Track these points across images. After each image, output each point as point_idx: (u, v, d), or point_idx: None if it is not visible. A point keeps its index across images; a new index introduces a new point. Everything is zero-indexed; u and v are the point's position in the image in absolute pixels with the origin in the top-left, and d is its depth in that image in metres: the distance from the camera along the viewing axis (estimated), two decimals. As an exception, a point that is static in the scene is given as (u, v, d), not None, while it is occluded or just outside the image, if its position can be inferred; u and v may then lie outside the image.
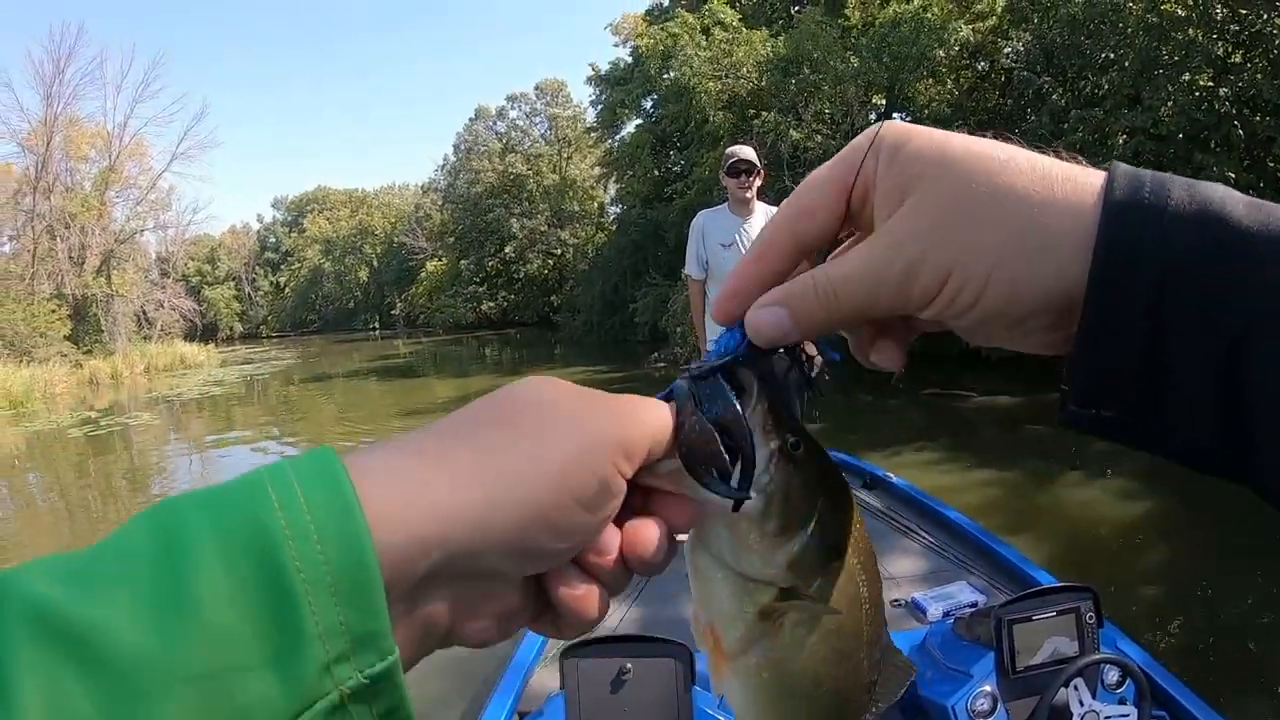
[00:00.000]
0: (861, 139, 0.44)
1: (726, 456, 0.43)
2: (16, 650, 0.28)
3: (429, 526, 0.36)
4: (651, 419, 0.43)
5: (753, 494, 0.44)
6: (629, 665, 2.13)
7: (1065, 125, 13.50)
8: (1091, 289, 0.38)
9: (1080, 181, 0.40)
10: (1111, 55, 13.68)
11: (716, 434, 0.43)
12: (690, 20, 21.40)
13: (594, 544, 0.42)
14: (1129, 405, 0.40)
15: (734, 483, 0.43)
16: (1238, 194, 0.38)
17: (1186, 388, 0.38)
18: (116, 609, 0.29)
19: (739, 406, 0.44)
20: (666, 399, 0.44)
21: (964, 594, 3.56)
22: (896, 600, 3.72)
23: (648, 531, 0.43)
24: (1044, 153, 0.42)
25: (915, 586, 3.83)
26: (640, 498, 0.44)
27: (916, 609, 3.57)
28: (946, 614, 3.36)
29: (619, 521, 0.43)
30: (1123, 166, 0.40)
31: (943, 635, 2.85)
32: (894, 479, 5.45)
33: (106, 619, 0.29)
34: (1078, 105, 13.71)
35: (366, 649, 0.33)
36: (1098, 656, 2.30)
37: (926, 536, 4.43)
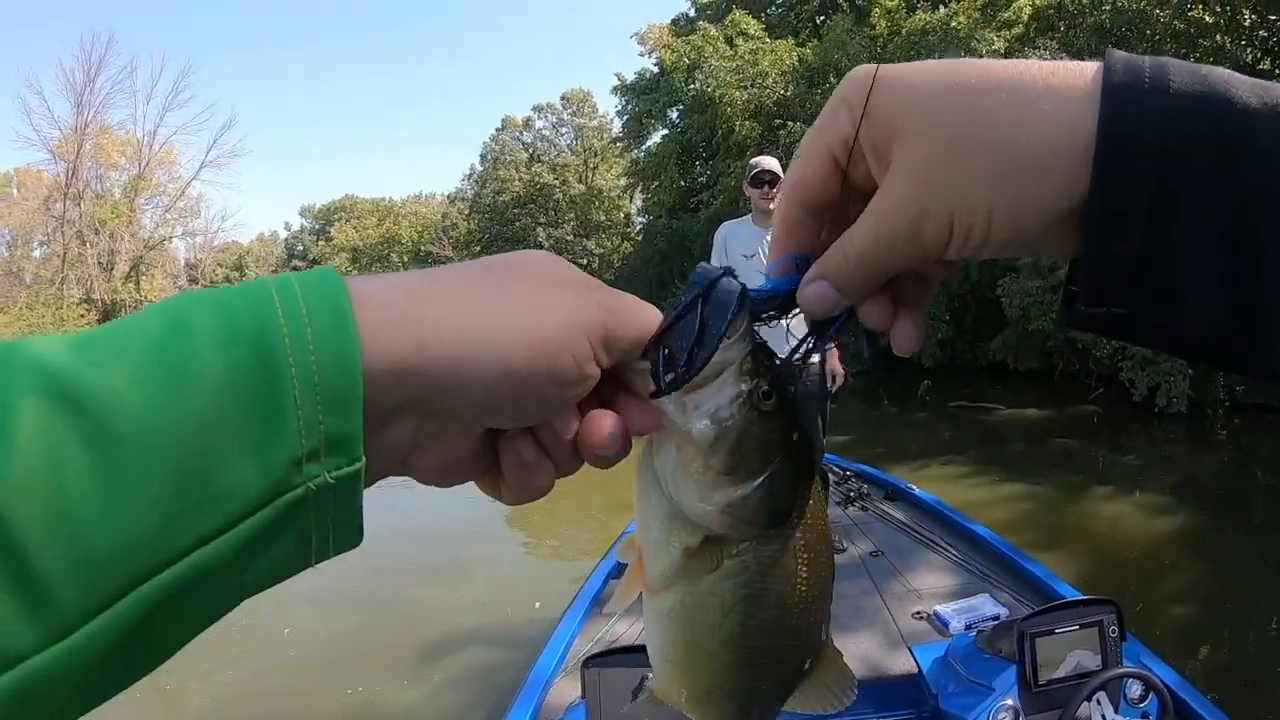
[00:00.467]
0: (834, 98, 0.45)
1: (684, 360, 0.43)
2: (19, 402, 0.30)
3: (410, 357, 0.37)
4: (639, 319, 0.44)
5: (707, 421, 0.44)
6: (649, 674, 2.12)
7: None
8: (1095, 182, 0.38)
9: (1071, 82, 0.39)
10: (1140, 63, 13.55)
11: (696, 335, 0.43)
12: (713, 32, 21.40)
13: (554, 419, 0.43)
14: (1138, 298, 0.40)
15: (668, 378, 0.43)
16: (1242, 76, 0.38)
17: (1195, 272, 0.38)
18: (116, 376, 0.31)
19: (727, 332, 0.43)
20: (694, 285, 0.45)
21: (987, 607, 3.56)
22: (919, 612, 3.75)
23: (605, 421, 0.44)
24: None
25: (938, 599, 3.82)
26: (610, 391, 0.45)
27: (939, 621, 3.57)
28: (969, 627, 3.37)
29: (584, 407, 0.44)
30: (1119, 54, 0.39)
31: (965, 648, 2.84)
32: (916, 491, 5.42)
33: (106, 383, 0.31)
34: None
35: (337, 451, 0.35)
36: (1121, 670, 2.28)
37: (949, 549, 4.43)
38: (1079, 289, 0.41)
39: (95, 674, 0.32)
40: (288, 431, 0.34)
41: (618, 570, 4.51)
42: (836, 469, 6.05)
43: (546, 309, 0.41)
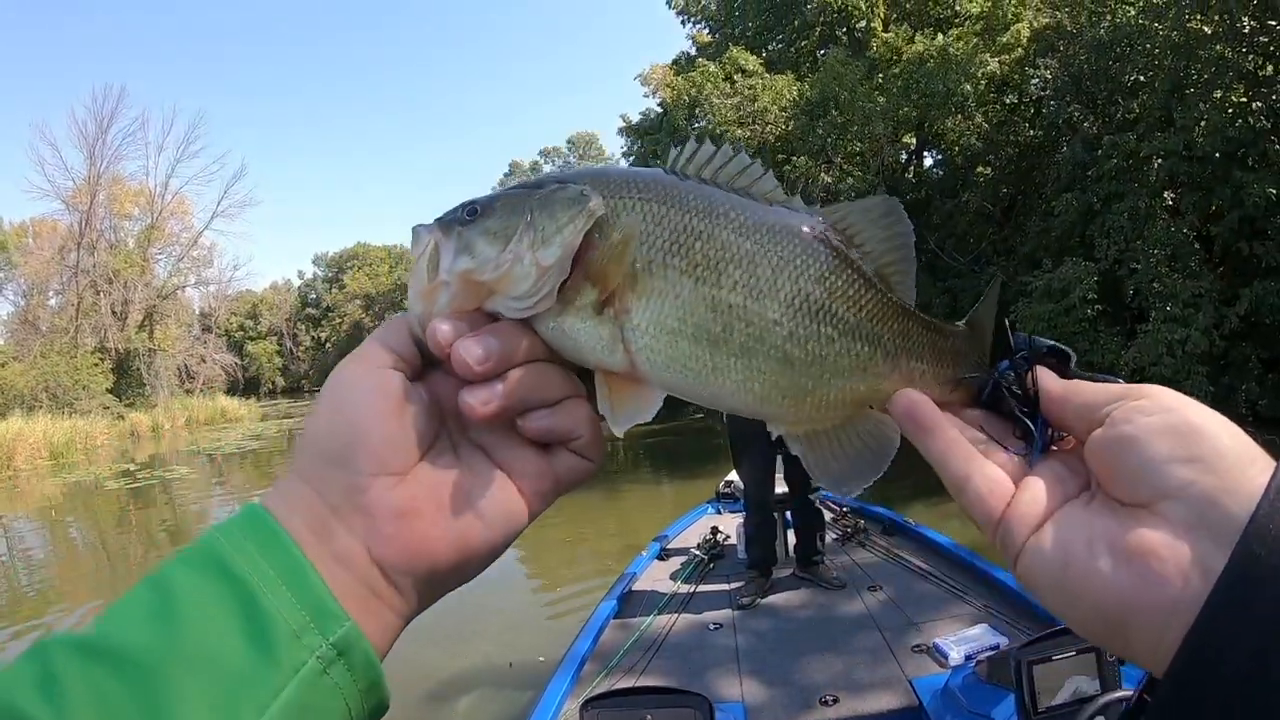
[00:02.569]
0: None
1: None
2: (62, 667, 0.40)
3: (300, 509, 0.49)
4: (375, 333, 0.55)
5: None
6: (649, 717, 2.15)
7: (1099, 152, 13.21)
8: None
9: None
10: (1141, 78, 13.42)
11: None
12: (712, 69, 21.44)
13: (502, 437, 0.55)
14: None
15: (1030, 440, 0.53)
16: None
17: None
18: (127, 628, 0.42)
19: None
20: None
21: (986, 637, 3.59)
22: (918, 645, 3.79)
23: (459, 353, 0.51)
24: None
25: (937, 631, 3.87)
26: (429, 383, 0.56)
27: (938, 653, 3.60)
28: (968, 657, 3.41)
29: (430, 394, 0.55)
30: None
31: (964, 679, 2.93)
32: (913, 525, 5.57)
33: (121, 634, 0.42)
34: (1109, 131, 13.41)
35: (325, 619, 0.45)
36: (1120, 694, 2.26)
37: (947, 581, 4.50)
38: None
39: None
40: (271, 618, 0.44)
41: (618, 611, 4.68)
42: (834, 506, 6.06)
43: (333, 398, 0.53)
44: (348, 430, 0.49)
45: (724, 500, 6.88)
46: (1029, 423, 0.53)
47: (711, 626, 4.41)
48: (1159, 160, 12.43)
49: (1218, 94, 11.88)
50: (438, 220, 0.56)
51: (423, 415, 0.52)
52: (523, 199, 0.55)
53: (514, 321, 0.53)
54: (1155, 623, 0.41)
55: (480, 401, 0.50)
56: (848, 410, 0.59)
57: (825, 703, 3.43)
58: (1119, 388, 0.49)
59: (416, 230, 0.56)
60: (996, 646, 3.43)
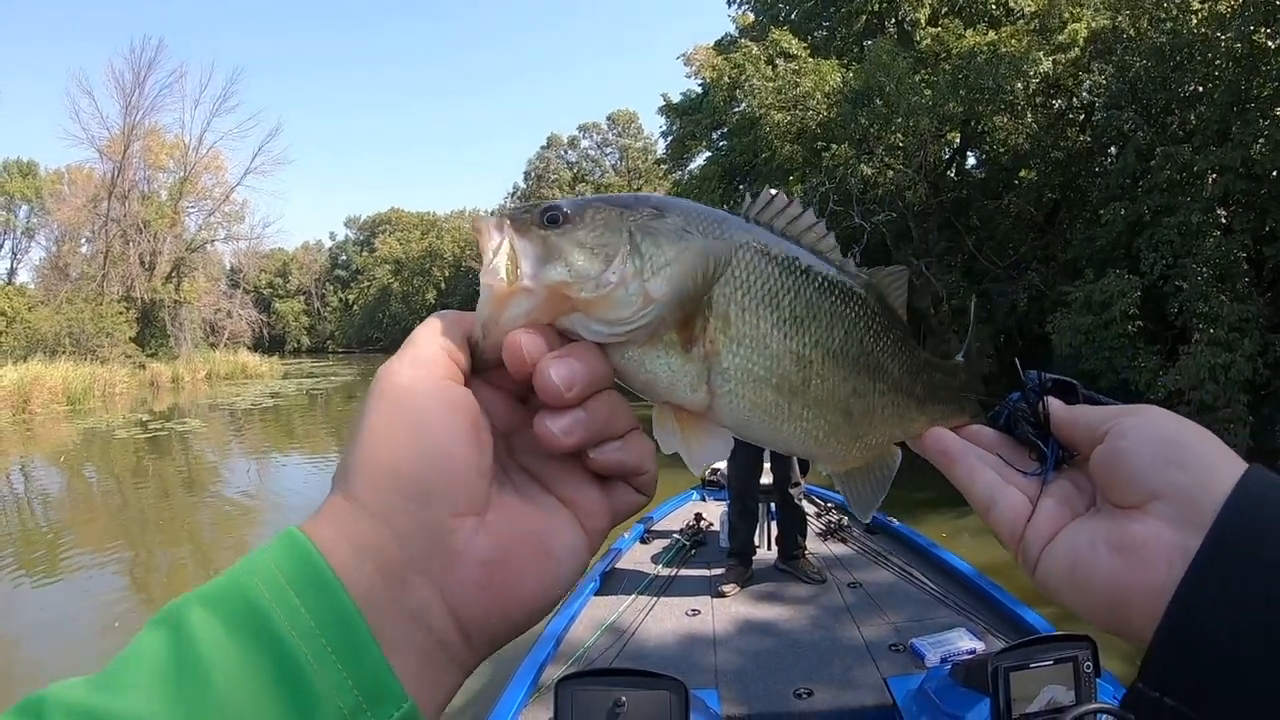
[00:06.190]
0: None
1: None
2: None
3: (371, 553, 0.40)
4: (429, 331, 0.47)
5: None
6: (624, 698, 2.14)
7: (1151, 163, 12.75)
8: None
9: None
10: (1199, 88, 12.90)
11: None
12: (755, 51, 21.01)
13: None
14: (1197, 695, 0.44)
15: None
16: None
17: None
18: (135, 693, 0.34)
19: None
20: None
21: (963, 640, 3.62)
22: (895, 644, 3.84)
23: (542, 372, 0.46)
24: None
25: (914, 632, 3.90)
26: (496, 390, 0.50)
27: (915, 654, 3.64)
28: (944, 660, 3.46)
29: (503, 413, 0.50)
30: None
31: (939, 681, 2.96)
32: (895, 523, 5.62)
33: (128, 702, 0.34)
34: (1163, 141, 12.92)
35: (381, 701, 0.37)
36: (1094, 706, 2.24)
37: (927, 582, 4.55)
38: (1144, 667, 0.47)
39: None
40: (318, 697, 0.36)
41: (598, 589, 4.71)
42: (817, 501, 6.14)
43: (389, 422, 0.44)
44: (431, 460, 0.42)
45: (709, 488, 6.89)
46: (1042, 445, 0.61)
47: (690, 612, 4.42)
48: (1214, 176, 11.97)
49: (1279, 111, 11.39)
50: (510, 216, 0.52)
51: (491, 441, 0.46)
52: (616, 217, 0.53)
53: (592, 344, 0.50)
54: (1150, 603, 0.46)
55: (563, 430, 0.46)
56: (881, 450, 0.66)
57: (800, 695, 3.47)
58: (1116, 408, 0.57)
59: (484, 223, 0.51)
60: (973, 651, 3.49)
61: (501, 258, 0.49)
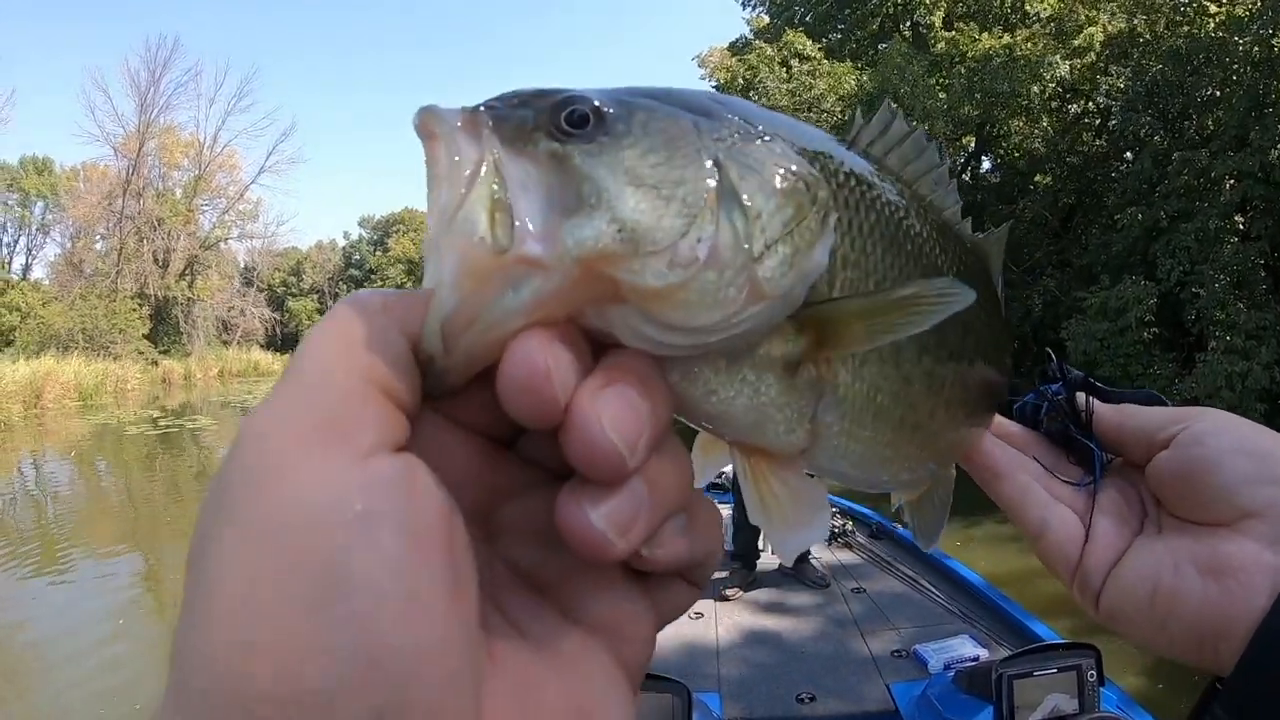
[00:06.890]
0: None
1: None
2: None
3: None
4: (340, 339, 0.27)
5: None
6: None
7: (1168, 168, 12.63)
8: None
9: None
10: (1217, 92, 12.78)
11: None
12: (768, 52, 20.95)
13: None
14: None
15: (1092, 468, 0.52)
16: None
17: None
18: None
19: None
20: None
21: (966, 647, 3.61)
22: (898, 650, 3.82)
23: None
24: None
25: (917, 638, 3.88)
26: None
27: (918, 660, 3.63)
28: (947, 666, 3.43)
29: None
30: None
31: (943, 687, 2.96)
32: (900, 529, 5.52)
33: None
34: (1180, 147, 12.79)
35: None
36: (1097, 715, 2.29)
37: (931, 588, 4.51)
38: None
39: None
40: None
41: None
42: None
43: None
44: (362, 670, 0.22)
45: (715, 490, 6.70)
46: (1090, 447, 0.52)
47: (693, 615, 4.38)
48: (1231, 181, 11.84)
49: (1299, 116, 11.24)
50: (496, 114, 0.29)
51: (473, 574, 0.26)
52: (690, 131, 0.31)
53: (645, 358, 0.29)
54: (1246, 633, 0.42)
55: (618, 525, 0.27)
56: (942, 475, 0.54)
57: (802, 700, 3.46)
58: (1173, 411, 0.50)
59: (441, 124, 0.29)
60: (976, 658, 3.46)
61: (478, 197, 0.28)
